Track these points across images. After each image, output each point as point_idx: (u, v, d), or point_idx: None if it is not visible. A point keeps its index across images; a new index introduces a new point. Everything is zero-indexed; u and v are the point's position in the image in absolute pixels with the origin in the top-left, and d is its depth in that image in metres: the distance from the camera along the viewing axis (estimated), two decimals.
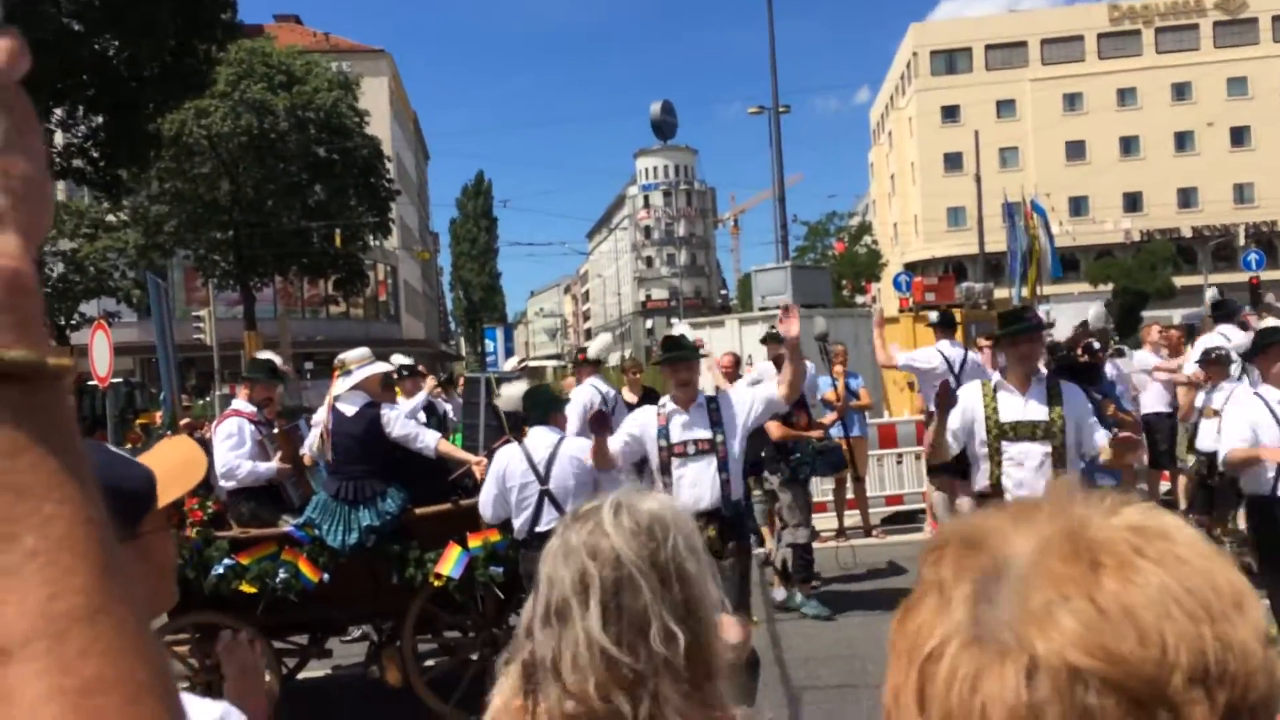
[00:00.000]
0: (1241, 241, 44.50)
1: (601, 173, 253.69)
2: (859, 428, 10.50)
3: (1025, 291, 27.59)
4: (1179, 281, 51.71)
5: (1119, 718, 0.57)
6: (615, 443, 5.52)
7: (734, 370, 10.85)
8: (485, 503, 5.73)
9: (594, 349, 9.73)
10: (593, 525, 1.34)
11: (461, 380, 11.19)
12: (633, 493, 1.40)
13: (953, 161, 65.80)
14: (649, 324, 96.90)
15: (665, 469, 5.46)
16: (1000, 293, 31.51)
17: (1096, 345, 8.75)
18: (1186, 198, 66.91)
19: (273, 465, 6.47)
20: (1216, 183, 65.79)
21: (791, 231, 39.03)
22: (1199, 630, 0.59)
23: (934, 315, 10.51)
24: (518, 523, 5.63)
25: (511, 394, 6.33)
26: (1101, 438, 5.23)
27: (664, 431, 5.50)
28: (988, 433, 5.17)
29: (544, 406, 5.99)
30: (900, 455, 11.75)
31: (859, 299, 56.53)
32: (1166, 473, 11.04)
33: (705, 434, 5.46)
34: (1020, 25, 71.13)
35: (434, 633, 6.84)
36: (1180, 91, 67.24)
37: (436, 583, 5.92)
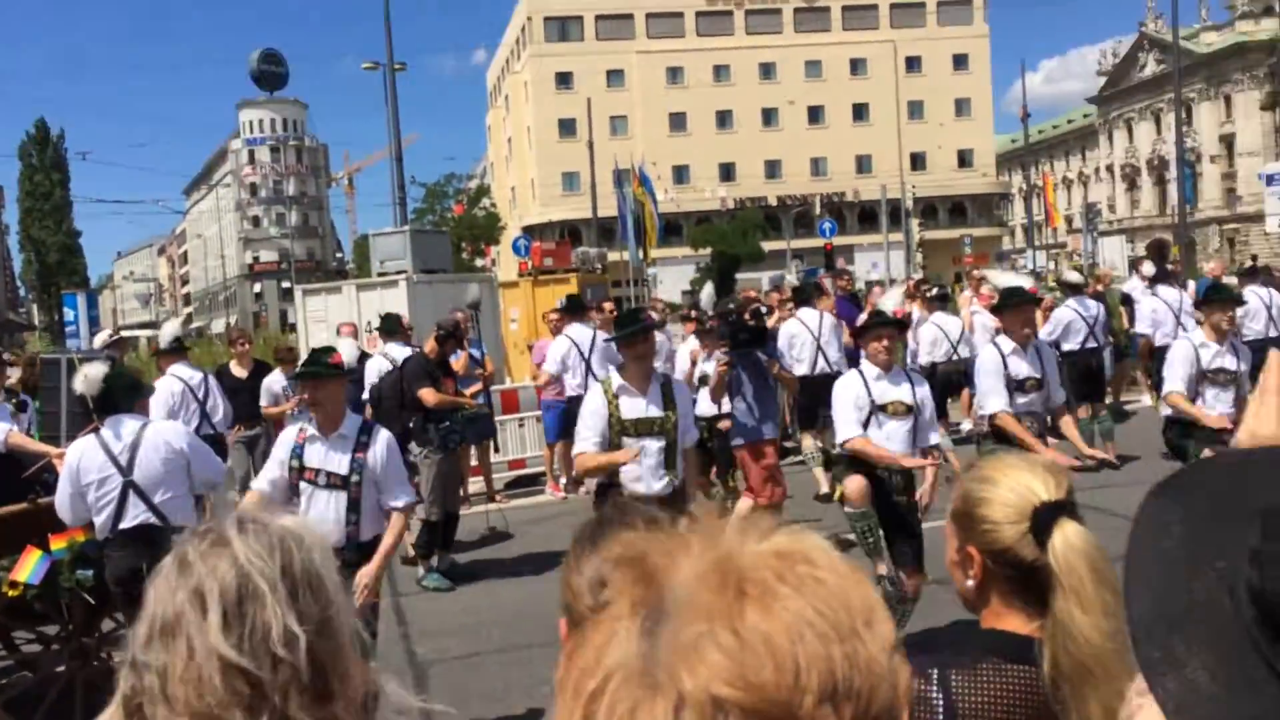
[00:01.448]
0: (818, 211, 49.60)
1: (200, 125, 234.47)
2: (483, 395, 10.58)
3: (641, 254, 29.09)
4: (767, 246, 56.84)
5: None
6: (262, 481, 5.08)
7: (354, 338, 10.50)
8: (61, 504, 5.13)
9: (164, 338, 9.08)
10: (214, 539, 1.29)
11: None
12: (259, 511, 1.36)
13: (567, 127, 67.69)
14: (257, 288, 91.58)
15: (294, 490, 4.99)
16: (614, 255, 32.99)
17: (764, 310, 9.16)
18: (772, 169, 73.53)
19: None
20: (797, 156, 72.86)
21: (410, 193, 38.38)
22: (828, 650, 0.63)
23: (561, 301, 10.86)
24: (99, 520, 5.08)
25: (92, 375, 5.68)
26: (694, 437, 5.64)
27: (297, 450, 5.00)
28: (610, 429, 5.23)
29: (127, 391, 5.40)
30: (522, 420, 11.98)
31: (479, 262, 56.85)
32: None
33: (341, 469, 4.93)
34: None
35: (9, 647, 6.07)
36: (767, 71, 73.54)
37: (11, 592, 5.23)
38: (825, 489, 8.85)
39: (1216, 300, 6.58)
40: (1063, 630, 1.54)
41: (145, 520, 5.07)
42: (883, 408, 5.70)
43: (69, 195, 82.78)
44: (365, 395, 8.61)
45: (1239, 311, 8.08)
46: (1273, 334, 10.20)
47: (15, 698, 5.56)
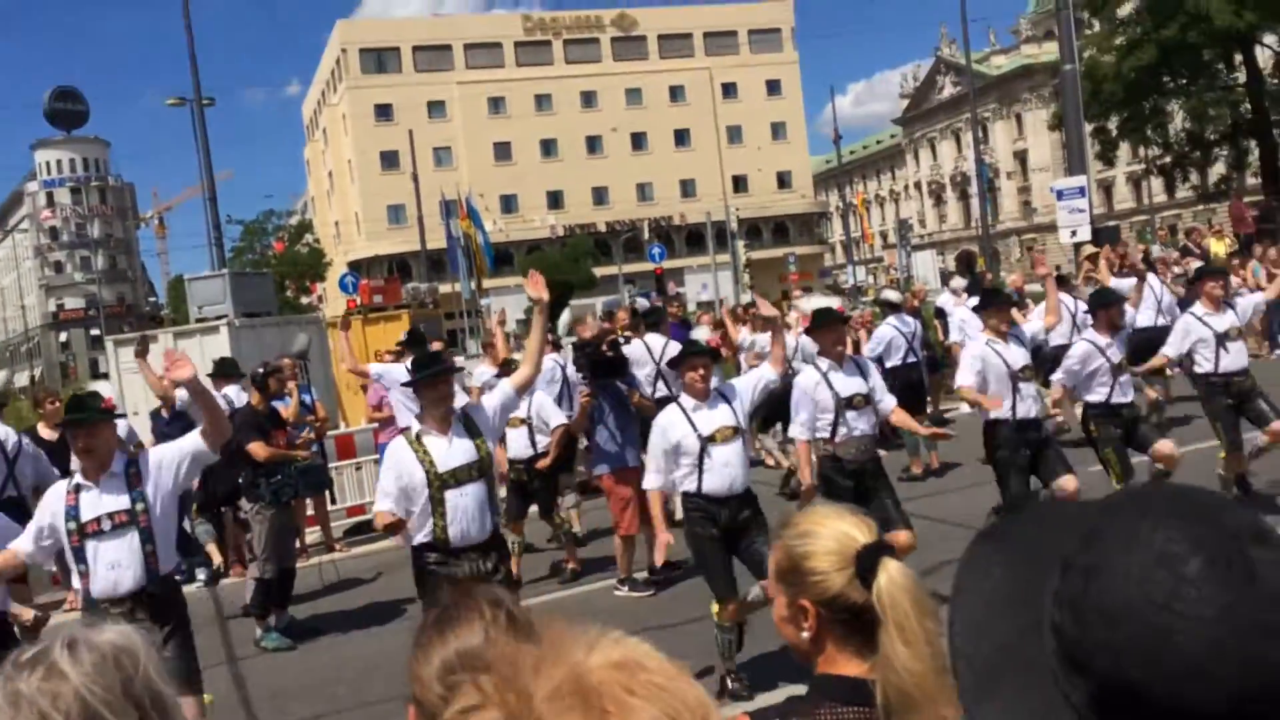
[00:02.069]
0: (646, 235, 50.34)
1: None
2: (317, 444, 10.26)
3: (474, 285, 28.82)
4: (599, 272, 57.26)
5: None
6: (25, 541, 4.71)
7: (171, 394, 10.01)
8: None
9: None
10: (45, 669, 1.20)
11: None
12: (83, 628, 1.29)
13: (390, 160, 66.60)
14: (64, 337, 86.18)
15: (79, 555, 4.64)
16: (445, 288, 32.63)
17: (621, 340, 9.09)
18: (600, 195, 74.27)
19: None
20: (623, 182, 73.86)
21: (227, 232, 36.90)
22: None
23: (404, 335, 10.61)
24: None
25: None
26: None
27: (72, 512, 4.67)
28: (429, 485, 5.00)
29: None
30: (359, 464, 11.68)
31: (304, 300, 55.17)
32: None
33: (123, 504, 4.69)
34: (444, 29, 73.91)
35: None
36: (588, 99, 74.34)
37: None
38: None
39: (994, 304, 7.15)
40: (887, 664, 1.63)
41: None
42: (710, 438, 5.65)
43: None
44: None
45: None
46: (1075, 340, 10.97)
47: None
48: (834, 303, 7.25)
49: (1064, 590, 0.72)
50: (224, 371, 9.38)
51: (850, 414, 6.36)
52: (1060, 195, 17.92)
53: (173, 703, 1.28)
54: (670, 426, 5.72)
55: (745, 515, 5.69)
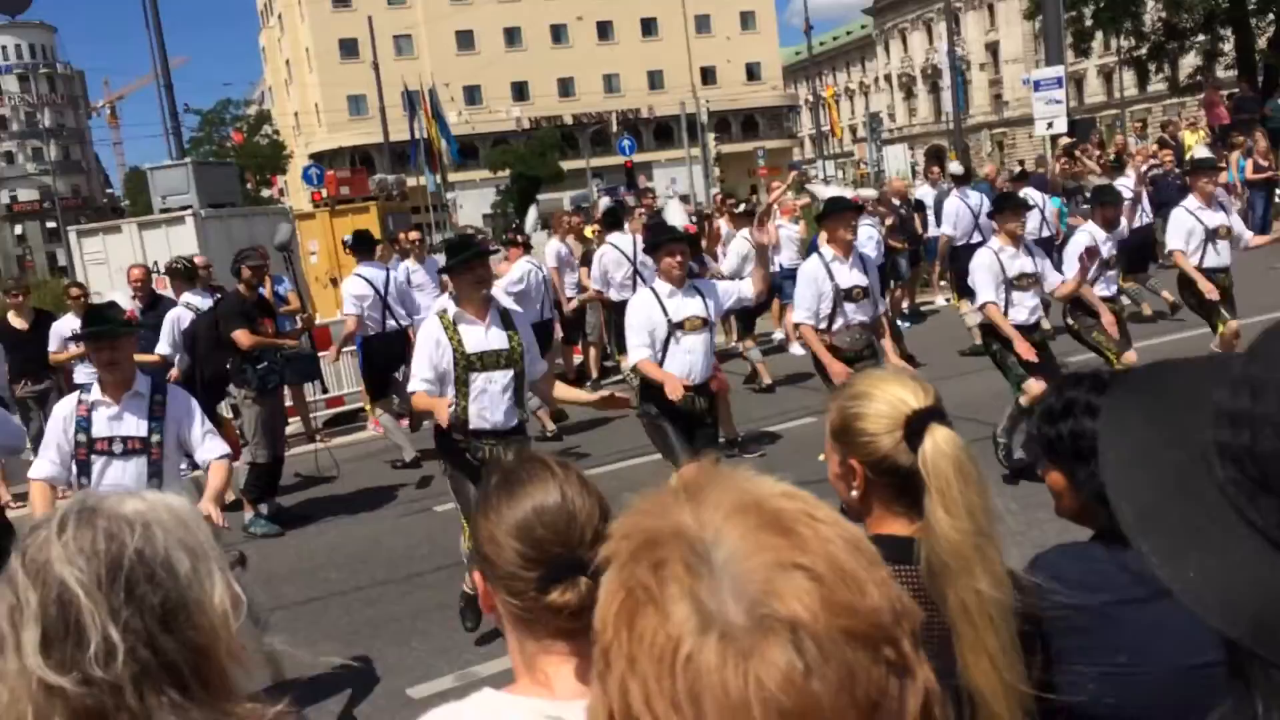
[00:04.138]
0: (614, 129, 49.56)
1: None
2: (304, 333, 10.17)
3: (438, 179, 28.34)
4: (566, 166, 56.51)
5: (867, 665, 0.63)
6: (43, 467, 4.54)
7: (145, 283, 9.82)
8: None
9: None
10: (41, 539, 1.15)
11: None
12: (109, 494, 1.21)
13: (349, 48, 64.75)
14: (19, 230, 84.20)
15: (83, 468, 4.55)
16: (411, 181, 32.07)
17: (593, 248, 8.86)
18: (566, 87, 72.83)
19: None
20: (590, 74, 72.36)
21: (184, 121, 35.83)
22: (879, 574, 0.67)
23: (348, 238, 10.44)
24: None
25: None
26: (542, 368, 5.52)
27: (83, 424, 4.54)
28: (456, 365, 5.04)
29: None
30: (337, 354, 11.58)
31: (265, 193, 54.10)
32: (578, 347, 12.17)
33: (140, 431, 4.57)
34: None
35: None
36: None
37: None
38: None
39: (1009, 208, 6.99)
40: (929, 528, 1.66)
41: None
42: (680, 324, 5.74)
43: None
44: (166, 348, 8.16)
45: None
46: (1045, 234, 10.99)
47: None
48: (847, 192, 7.22)
49: (1238, 408, 0.69)
50: (185, 275, 9.23)
51: (849, 306, 6.47)
52: (1037, 86, 17.74)
53: (188, 577, 1.14)
54: (642, 308, 5.80)
55: (701, 404, 5.83)
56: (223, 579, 1.17)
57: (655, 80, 73.49)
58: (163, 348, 8.24)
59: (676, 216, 6.45)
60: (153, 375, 4.93)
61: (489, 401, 5.09)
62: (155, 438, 4.59)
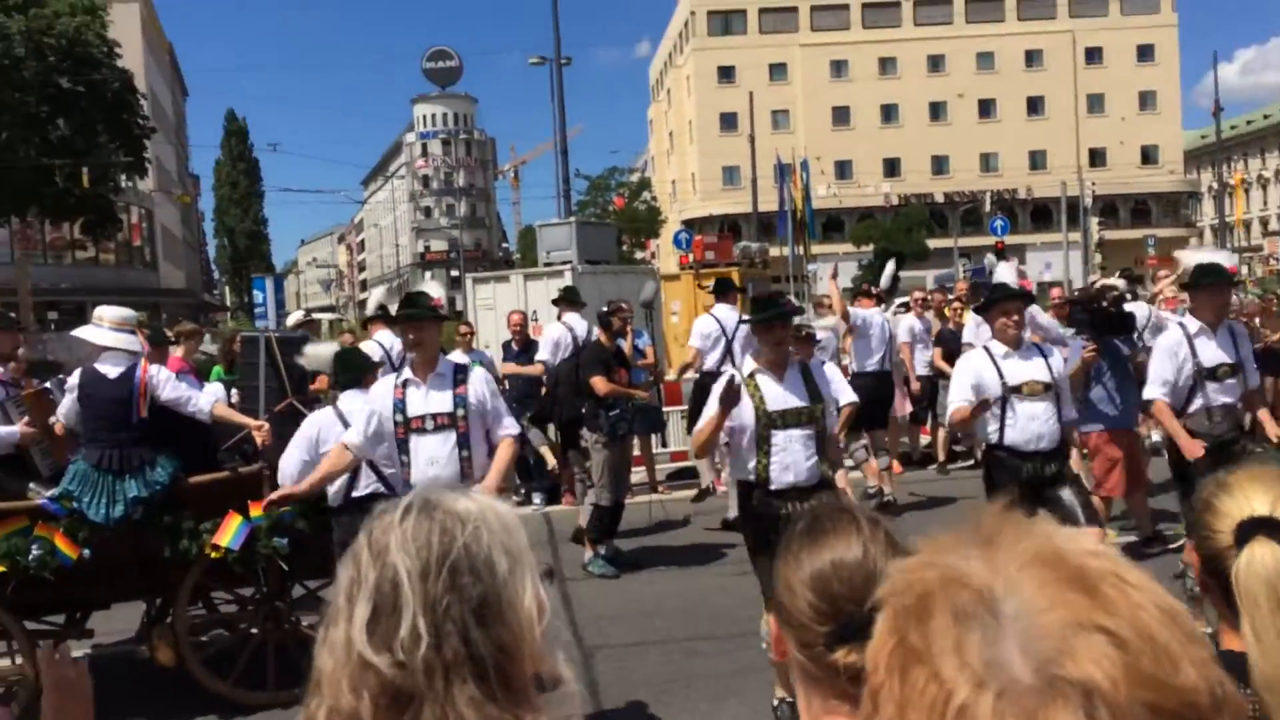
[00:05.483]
0: (988, 208, 47.95)
1: (379, 118, 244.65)
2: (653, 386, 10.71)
3: (801, 250, 28.77)
4: (932, 244, 55.30)
5: None
6: (354, 435, 5.08)
7: (523, 327, 10.80)
8: (289, 470, 5.42)
9: (371, 305, 9.47)
10: (385, 524, 1.24)
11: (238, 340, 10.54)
12: (444, 489, 1.29)
13: (728, 121, 67.48)
14: (428, 275, 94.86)
15: (402, 446, 5.02)
16: (774, 251, 32.75)
17: (1126, 296, 8.49)
18: (939, 164, 71.49)
19: (14, 430, 5.90)
20: (966, 151, 70.61)
21: (574, 185, 39.00)
22: (1199, 653, 0.60)
23: (711, 283, 10.92)
24: (332, 490, 5.38)
25: (320, 354, 6.04)
26: (833, 422, 5.42)
27: (400, 405, 5.05)
28: (756, 422, 5.01)
29: (357, 368, 5.87)
30: (684, 411, 12.00)
31: (638, 255, 57.36)
32: (926, 427, 11.81)
33: (445, 407, 5.06)
34: None
35: (209, 607, 6.47)
36: (935, 63, 71.53)
37: (214, 555, 5.57)
38: None
39: None
40: (1246, 648, 1.44)
41: (375, 490, 5.32)
42: (1016, 389, 5.40)
43: (258, 185, 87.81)
44: (547, 354, 9.45)
45: None
46: None
47: (213, 654, 5.91)
48: (1224, 259, 6.47)
49: None
50: (568, 299, 10.08)
51: (1211, 385, 5.83)
52: None
53: (505, 578, 1.19)
54: (972, 365, 5.51)
55: (1052, 469, 5.47)
56: (533, 584, 1.21)
57: (1037, 160, 70.40)
58: (543, 354, 9.63)
59: (1007, 276, 6.04)
60: (523, 386, 5.48)
61: (787, 459, 5.05)
62: (460, 411, 5.07)
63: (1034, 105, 71.54)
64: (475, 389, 5.17)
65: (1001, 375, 5.45)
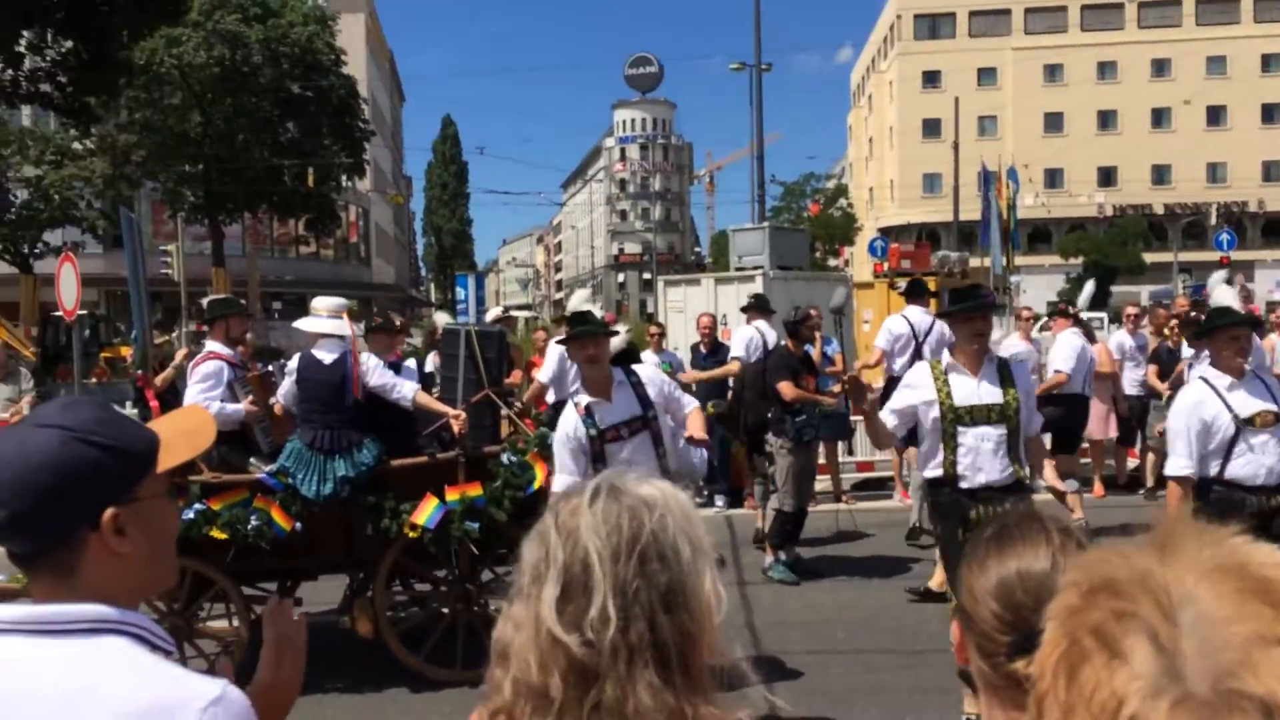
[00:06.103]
0: (1213, 221, 44.83)
1: (579, 123, 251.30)
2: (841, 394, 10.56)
3: (1004, 261, 27.66)
4: (1149, 258, 52.14)
5: None
6: (562, 479, 5.08)
7: (712, 330, 10.85)
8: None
9: (572, 305, 9.71)
10: (573, 506, 1.26)
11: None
12: (628, 475, 1.30)
13: (931, 128, 65.70)
14: (621, 278, 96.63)
15: (601, 458, 5.06)
16: (974, 262, 31.62)
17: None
18: (1160, 174, 67.34)
19: (240, 408, 6.36)
20: (1190, 161, 66.21)
21: (768, 191, 38.81)
22: None
23: (904, 283, 10.69)
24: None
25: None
26: (1039, 423, 5.20)
27: (589, 421, 5.12)
28: (942, 418, 4.91)
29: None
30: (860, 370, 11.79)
31: (832, 262, 56.60)
32: (1134, 449, 11.15)
33: (636, 412, 5.20)
34: None
35: (405, 585, 6.81)
36: (1160, 67, 67.39)
37: (411, 534, 5.87)
38: None
39: None
40: None
41: None
42: (1249, 420, 4.82)
43: (466, 187, 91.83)
44: (741, 349, 9.44)
45: None
46: None
47: (408, 630, 6.22)
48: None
49: None
50: (758, 305, 10.05)
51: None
52: None
53: (689, 565, 1.20)
54: (1201, 404, 5.03)
55: (1277, 501, 4.94)
56: (711, 573, 1.22)
57: (1271, 171, 65.28)
58: (737, 351, 9.60)
59: (1229, 298, 5.31)
60: (710, 389, 5.57)
61: (977, 457, 4.87)
62: (651, 413, 5.22)
63: (1269, 113, 66.34)
64: (653, 386, 5.31)
65: (1230, 408, 4.98)
